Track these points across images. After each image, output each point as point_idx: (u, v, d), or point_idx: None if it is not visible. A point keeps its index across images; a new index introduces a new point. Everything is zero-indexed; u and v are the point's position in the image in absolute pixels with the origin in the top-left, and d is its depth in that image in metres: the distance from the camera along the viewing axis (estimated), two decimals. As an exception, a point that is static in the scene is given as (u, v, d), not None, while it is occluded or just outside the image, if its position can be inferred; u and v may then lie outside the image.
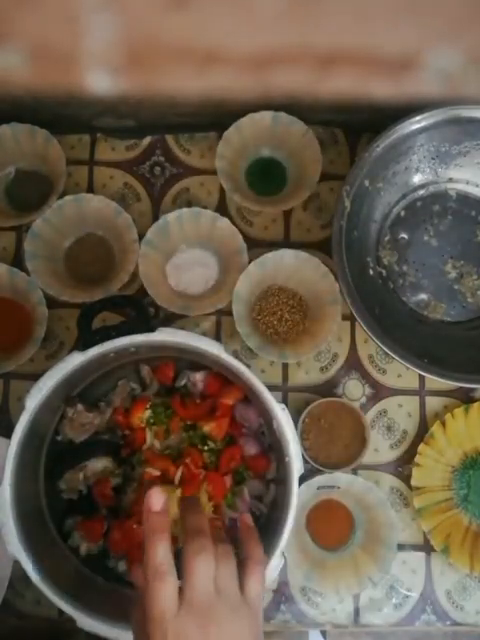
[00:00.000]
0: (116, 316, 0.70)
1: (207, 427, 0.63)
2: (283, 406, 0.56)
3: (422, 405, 0.72)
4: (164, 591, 0.37)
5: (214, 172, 0.69)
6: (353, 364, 0.72)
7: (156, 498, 0.41)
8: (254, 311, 0.71)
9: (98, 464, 0.63)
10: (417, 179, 0.73)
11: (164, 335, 0.57)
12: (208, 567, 0.38)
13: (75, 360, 0.56)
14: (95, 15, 0.12)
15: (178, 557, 0.39)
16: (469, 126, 0.68)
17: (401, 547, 0.68)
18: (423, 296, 0.73)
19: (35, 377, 0.57)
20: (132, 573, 0.45)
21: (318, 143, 0.70)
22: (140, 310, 0.66)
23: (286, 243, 0.74)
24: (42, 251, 0.68)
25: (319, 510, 0.68)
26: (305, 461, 0.62)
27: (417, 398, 0.72)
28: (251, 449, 0.64)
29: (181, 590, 0.38)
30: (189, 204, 0.74)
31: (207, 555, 0.38)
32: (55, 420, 0.64)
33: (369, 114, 0.73)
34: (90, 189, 0.74)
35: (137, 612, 0.43)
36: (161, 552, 0.39)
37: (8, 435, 0.55)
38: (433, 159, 0.71)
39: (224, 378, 0.64)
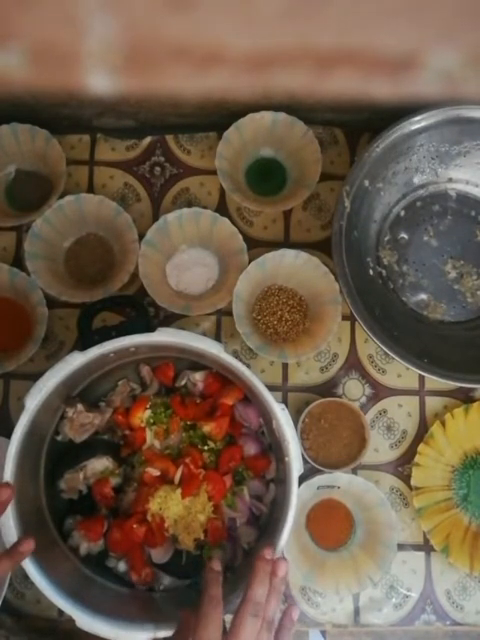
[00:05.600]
0: (116, 316, 0.70)
1: (207, 427, 0.63)
2: (283, 406, 0.56)
3: (422, 405, 0.72)
4: (215, 622, 0.47)
5: (214, 172, 0.69)
6: (353, 364, 0.72)
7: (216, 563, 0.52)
8: (254, 311, 0.71)
9: (98, 464, 0.63)
10: (417, 179, 0.73)
11: (164, 335, 0.57)
12: (254, 628, 0.47)
13: (75, 360, 0.56)
14: (95, 15, 0.12)
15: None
16: (469, 126, 0.68)
17: (401, 547, 0.68)
18: (423, 296, 0.73)
19: (35, 377, 0.57)
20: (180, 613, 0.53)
21: (318, 143, 0.70)
22: (140, 310, 0.66)
23: (286, 243, 0.74)
24: (42, 251, 0.68)
25: (319, 510, 0.68)
26: (305, 461, 0.62)
27: (417, 398, 0.72)
28: (251, 449, 0.64)
29: (225, 636, 0.47)
30: (189, 204, 0.74)
31: (258, 620, 0.48)
32: (55, 420, 0.64)
33: (369, 114, 0.73)
34: (90, 189, 0.74)
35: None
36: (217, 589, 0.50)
37: (8, 435, 0.55)
38: (433, 159, 0.71)
39: (224, 378, 0.64)
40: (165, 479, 0.62)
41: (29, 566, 0.53)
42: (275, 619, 0.50)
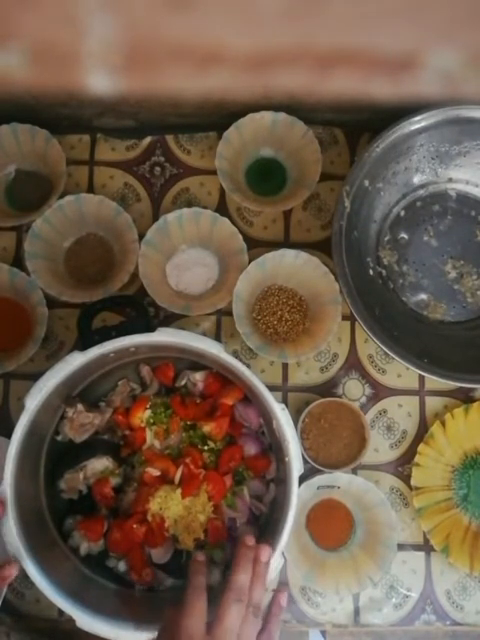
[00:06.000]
0: (116, 316, 0.70)
1: (207, 427, 0.63)
2: (283, 406, 0.56)
3: (422, 405, 0.72)
4: (199, 611, 0.47)
5: (214, 172, 0.69)
6: (353, 364, 0.72)
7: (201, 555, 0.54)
8: (254, 311, 0.71)
9: (98, 464, 0.63)
10: (417, 179, 0.73)
11: (164, 335, 0.57)
12: (239, 614, 0.47)
13: (75, 360, 0.56)
14: (95, 15, 0.12)
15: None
16: (469, 126, 0.68)
17: (401, 547, 0.68)
18: (423, 296, 0.73)
19: (35, 377, 0.57)
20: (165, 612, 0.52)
21: (318, 143, 0.70)
22: (140, 310, 0.66)
23: (286, 243, 0.74)
24: (42, 251, 0.68)
25: (319, 510, 0.68)
26: (305, 461, 0.62)
27: (417, 398, 0.72)
28: (251, 449, 0.64)
29: (210, 625, 0.46)
30: (189, 204, 0.74)
31: (242, 606, 0.47)
32: (55, 420, 0.64)
33: (369, 114, 0.73)
34: (90, 189, 0.74)
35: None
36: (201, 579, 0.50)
37: (8, 435, 0.55)
38: (433, 159, 0.71)
39: (224, 378, 0.64)
40: (165, 479, 0.62)
41: (29, 566, 0.53)
42: (262, 605, 0.50)
